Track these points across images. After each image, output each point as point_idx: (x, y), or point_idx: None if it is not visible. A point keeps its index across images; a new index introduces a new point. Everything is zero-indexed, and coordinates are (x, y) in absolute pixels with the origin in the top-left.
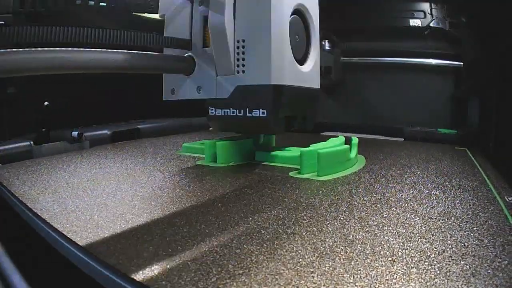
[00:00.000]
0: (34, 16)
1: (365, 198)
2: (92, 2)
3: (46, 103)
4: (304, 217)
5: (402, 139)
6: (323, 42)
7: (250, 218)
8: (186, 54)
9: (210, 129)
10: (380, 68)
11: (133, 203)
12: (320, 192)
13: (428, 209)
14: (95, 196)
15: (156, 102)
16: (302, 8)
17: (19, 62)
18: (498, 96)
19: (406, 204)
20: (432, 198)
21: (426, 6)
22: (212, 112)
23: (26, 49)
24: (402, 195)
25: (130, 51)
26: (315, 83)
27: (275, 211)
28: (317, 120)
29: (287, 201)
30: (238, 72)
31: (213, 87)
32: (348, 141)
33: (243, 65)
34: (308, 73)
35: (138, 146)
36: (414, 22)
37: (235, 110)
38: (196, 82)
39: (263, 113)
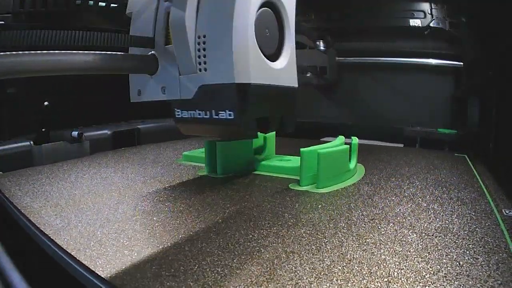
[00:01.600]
0: (34, 16)
1: (364, 213)
2: (91, 2)
3: (46, 103)
4: (303, 234)
5: (402, 145)
6: (317, 42)
7: (250, 236)
8: (150, 53)
9: None
10: (380, 68)
11: (134, 218)
12: (320, 206)
13: (425, 225)
14: (97, 210)
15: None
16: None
17: None
18: (498, 96)
19: (404, 220)
20: (429, 212)
21: (426, 6)
22: (179, 115)
23: None
24: (400, 209)
25: (89, 52)
26: (292, 81)
27: (275, 228)
28: (301, 120)
29: (286, 217)
30: (200, 70)
31: (177, 87)
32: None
33: (205, 63)
34: (281, 70)
35: (138, 153)
36: (414, 22)
37: (201, 112)
38: (160, 82)
39: (230, 114)
